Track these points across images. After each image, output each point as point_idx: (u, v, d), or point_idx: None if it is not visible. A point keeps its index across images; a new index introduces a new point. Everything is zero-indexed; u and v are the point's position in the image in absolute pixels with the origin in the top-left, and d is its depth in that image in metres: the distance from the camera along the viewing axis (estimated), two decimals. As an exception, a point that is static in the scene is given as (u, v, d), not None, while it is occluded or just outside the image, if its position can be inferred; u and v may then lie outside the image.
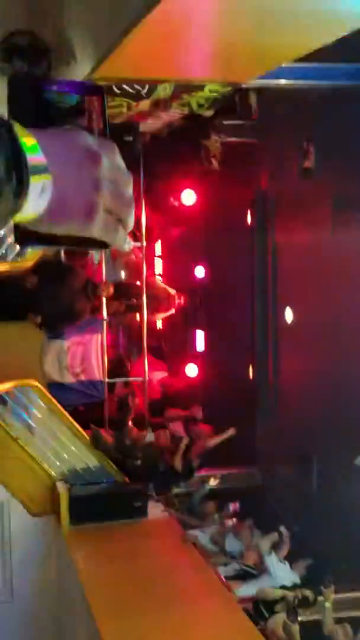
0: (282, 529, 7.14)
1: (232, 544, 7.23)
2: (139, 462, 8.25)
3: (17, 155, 0.93)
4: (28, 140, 0.96)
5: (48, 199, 0.98)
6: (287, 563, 6.70)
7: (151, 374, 9.93)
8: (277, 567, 6.60)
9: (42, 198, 0.97)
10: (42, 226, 1.02)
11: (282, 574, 6.56)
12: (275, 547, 6.88)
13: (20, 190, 0.94)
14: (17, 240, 1.08)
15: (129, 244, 1.11)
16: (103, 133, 1.14)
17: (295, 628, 5.94)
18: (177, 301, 10.25)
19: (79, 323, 8.64)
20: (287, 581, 6.49)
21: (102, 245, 1.09)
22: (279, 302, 9.12)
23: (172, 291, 10.04)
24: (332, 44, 4.54)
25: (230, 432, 8.86)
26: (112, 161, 1.06)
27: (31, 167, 0.95)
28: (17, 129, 0.95)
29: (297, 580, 6.54)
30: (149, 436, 8.56)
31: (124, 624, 5.72)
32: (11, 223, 1.00)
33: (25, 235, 1.05)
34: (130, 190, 1.09)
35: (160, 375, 10.26)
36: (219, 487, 8.70)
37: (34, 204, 0.97)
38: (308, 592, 6.08)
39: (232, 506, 8.04)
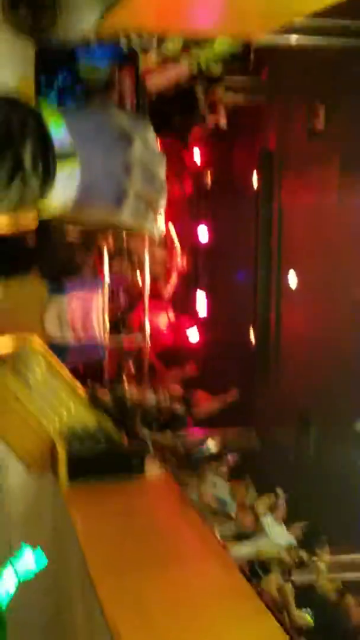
0: (279, 490, 7.17)
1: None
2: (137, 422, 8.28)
3: (44, 143, 0.88)
4: (56, 123, 0.90)
5: (76, 186, 0.93)
6: (283, 524, 6.74)
7: (156, 319, 9.97)
8: (273, 528, 6.65)
9: (70, 186, 0.92)
10: (70, 215, 0.96)
11: (277, 535, 6.61)
12: (271, 508, 6.92)
13: (47, 180, 0.89)
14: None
15: (158, 229, 1.04)
16: (136, 108, 1.08)
17: (289, 587, 6.01)
18: (179, 263, 10.19)
19: (81, 278, 8.63)
20: (283, 542, 6.53)
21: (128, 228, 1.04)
22: (282, 265, 9.06)
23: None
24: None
25: (233, 394, 8.90)
26: (145, 141, 0.99)
27: (59, 154, 0.89)
28: (46, 111, 0.90)
29: (293, 542, 6.59)
30: (150, 399, 8.58)
31: (120, 580, 5.77)
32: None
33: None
34: (163, 172, 1.02)
35: (166, 318, 10.24)
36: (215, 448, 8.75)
37: (62, 193, 0.92)
38: (303, 553, 6.13)
39: (231, 458, 8.09)
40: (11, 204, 0.88)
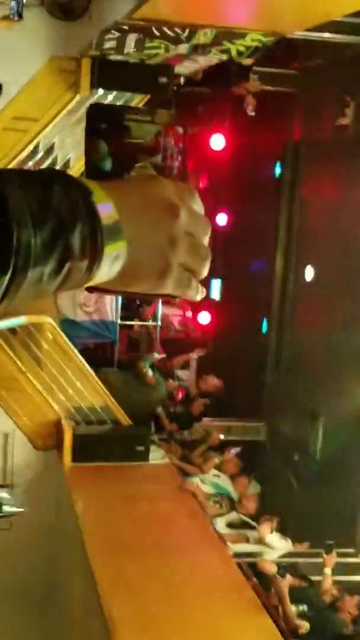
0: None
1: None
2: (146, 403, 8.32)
3: (93, 226, 0.87)
4: (104, 202, 0.89)
5: (121, 264, 0.92)
6: (288, 539, 6.82)
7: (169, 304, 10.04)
8: (278, 543, 6.72)
9: (115, 265, 0.91)
10: (111, 286, 0.95)
11: (277, 544, 6.69)
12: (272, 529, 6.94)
13: (94, 263, 0.88)
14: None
15: (201, 294, 1.04)
16: (182, 171, 1.04)
17: (285, 583, 6.06)
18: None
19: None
20: (282, 550, 6.63)
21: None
22: (300, 257, 9.00)
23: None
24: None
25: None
26: (191, 210, 0.98)
27: (107, 235, 0.88)
28: (95, 190, 0.88)
29: (291, 548, 6.68)
30: (158, 379, 8.60)
31: (117, 565, 5.82)
32: None
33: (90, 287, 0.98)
34: (207, 239, 1.01)
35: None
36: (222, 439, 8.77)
37: (107, 272, 0.90)
38: (305, 580, 6.16)
39: (234, 450, 8.12)
40: (55, 288, 0.88)
